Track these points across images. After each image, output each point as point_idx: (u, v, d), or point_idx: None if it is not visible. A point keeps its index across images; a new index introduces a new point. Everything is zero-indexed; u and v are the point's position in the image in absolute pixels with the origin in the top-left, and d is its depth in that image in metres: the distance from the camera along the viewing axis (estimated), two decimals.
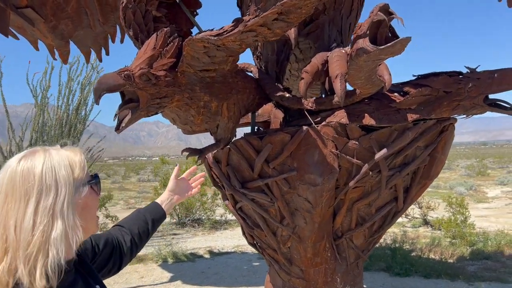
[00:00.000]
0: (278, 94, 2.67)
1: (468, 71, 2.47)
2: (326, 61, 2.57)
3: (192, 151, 2.45)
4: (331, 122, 2.52)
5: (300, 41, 3.35)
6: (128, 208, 13.85)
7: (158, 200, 1.82)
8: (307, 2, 1.82)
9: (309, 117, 2.57)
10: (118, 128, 1.96)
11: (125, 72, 1.92)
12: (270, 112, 3.28)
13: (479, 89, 2.37)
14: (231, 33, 1.85)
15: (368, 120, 2.46)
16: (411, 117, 2.48)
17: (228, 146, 2.61)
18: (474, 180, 19.43)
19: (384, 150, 2.47)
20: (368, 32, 1.94)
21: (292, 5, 1.78)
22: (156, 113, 2.22)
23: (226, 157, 2.67)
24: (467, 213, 7.18)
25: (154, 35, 2.15)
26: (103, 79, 1.90)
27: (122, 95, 2.01)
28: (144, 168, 45.54)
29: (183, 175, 1.94)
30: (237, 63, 2.51)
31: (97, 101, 1.83)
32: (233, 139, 2.62)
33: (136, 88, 2.00)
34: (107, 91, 1.86)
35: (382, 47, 1.84)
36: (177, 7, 2.56)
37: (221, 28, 1.95)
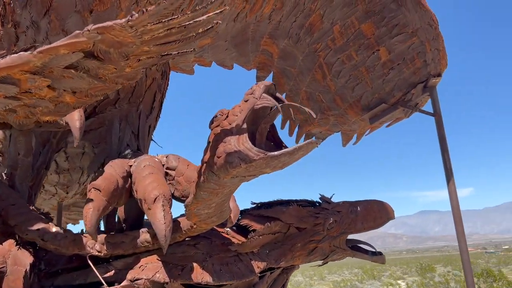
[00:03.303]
0: (36, 227, 1.41)
1: (321, 201, 1.90)
2: (129, 174, 1.56)
3: None
4: (137, 280, 1.42)
5: (68, 142, 2.22)
6: None
7: None
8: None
9: (96, 272, 1.41)
10: None
11: None
12: (7, 255, 1.87)
13: (341, 227, 1.79)
14: None
15: (200, 275, 1.49)
16: (257, 266, 1.65)
17: None
18: None
19: None
20: (243, 125, 1.11)
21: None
22: None
23: None
24: None
25: None
26: None
27: None
28: None
29: None
30: None
31: None
32: None
33: None
34: None
35: (277, 153, 1.02)
36: None
37: None
